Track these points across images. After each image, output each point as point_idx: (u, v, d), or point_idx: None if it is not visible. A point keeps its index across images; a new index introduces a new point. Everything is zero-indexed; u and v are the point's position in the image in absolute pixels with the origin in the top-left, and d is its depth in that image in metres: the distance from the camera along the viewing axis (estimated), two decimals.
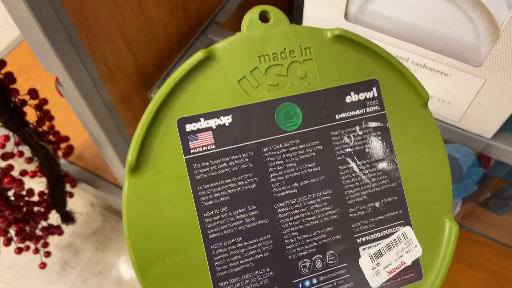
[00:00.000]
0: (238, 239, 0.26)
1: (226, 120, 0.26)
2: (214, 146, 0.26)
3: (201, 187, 0.25)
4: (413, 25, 0.39)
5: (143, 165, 0.25)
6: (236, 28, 0.62)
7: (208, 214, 0.25)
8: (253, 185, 0.26)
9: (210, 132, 0.26)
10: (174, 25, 0.51)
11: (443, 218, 0.29)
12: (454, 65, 0.38)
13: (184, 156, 0.25)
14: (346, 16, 0.41)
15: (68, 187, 0.73)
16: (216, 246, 0.25)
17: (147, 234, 0.25)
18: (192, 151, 0.25)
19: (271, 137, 0.26)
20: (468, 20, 0.36)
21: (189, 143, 0.25)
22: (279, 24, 0.27)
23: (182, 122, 0.25)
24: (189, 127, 0.25)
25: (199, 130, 0.25)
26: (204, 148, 0.25)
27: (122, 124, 0.50)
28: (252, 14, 0.26)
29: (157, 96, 0.25)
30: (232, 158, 0.26)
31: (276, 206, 0.26)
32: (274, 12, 0.27)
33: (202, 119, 0.26)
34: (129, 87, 0.49)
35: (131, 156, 0.24)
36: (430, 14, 0.37)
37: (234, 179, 0.26)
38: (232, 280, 0.26)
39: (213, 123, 0.26)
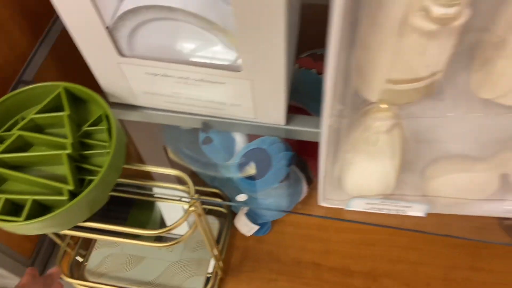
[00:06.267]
0: None
1: None
2: None
3: None
4: (179, 48, 0.42)
5: None
6: (47, 79, 0.60)
7: None
8: None
9: None
10: None
11: None
12: (223, 74, 0.42)
13: None
14: (120, 53, 0.43)
15: None
16: None
17: None
18: None
19: None
20: (217, 39, 0.40)
21: None
22: None
23: None
24: None
25: None
26: None
27: None
28: None
29: None
30: None
31: None
32: None
33: None
34: None
35: None
36: (188, 37, 0.41)
37: None
38: None
39: None
